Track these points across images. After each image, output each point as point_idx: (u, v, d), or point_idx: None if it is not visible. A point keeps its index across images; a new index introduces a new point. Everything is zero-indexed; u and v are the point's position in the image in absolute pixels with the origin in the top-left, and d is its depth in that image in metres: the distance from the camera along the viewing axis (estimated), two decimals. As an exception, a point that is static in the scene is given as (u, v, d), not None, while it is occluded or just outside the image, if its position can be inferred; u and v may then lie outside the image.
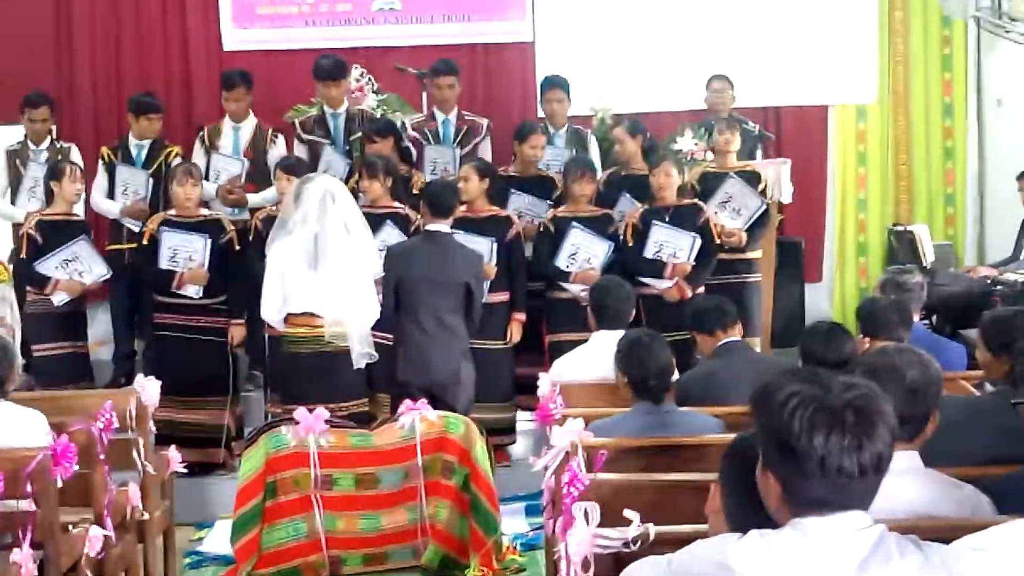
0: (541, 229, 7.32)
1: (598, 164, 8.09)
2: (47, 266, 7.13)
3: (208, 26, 9.52)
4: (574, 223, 7.18)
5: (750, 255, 7.64)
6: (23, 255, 7.20)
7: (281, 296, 5.95)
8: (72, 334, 7.32)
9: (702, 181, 7.66)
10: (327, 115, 8.16)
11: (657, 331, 5.20)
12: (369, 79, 8.74)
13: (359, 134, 8.00)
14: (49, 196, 7.41)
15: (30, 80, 8.75)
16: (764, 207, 7.53)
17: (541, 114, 8.78)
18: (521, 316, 7.18)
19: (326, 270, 5.85)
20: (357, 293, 5.92)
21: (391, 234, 7.00)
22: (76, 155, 8.07)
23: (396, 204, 7.22)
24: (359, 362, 5.91)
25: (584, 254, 7.17)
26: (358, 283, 5.93)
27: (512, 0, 9.55)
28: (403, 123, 8.17)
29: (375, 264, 6.16)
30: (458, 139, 8.14)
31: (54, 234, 7.18)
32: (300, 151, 8.11)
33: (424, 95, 8.58)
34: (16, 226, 7.81)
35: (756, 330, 7.52)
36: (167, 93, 9.06)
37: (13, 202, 8.01)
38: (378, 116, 8.23)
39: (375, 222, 6.93)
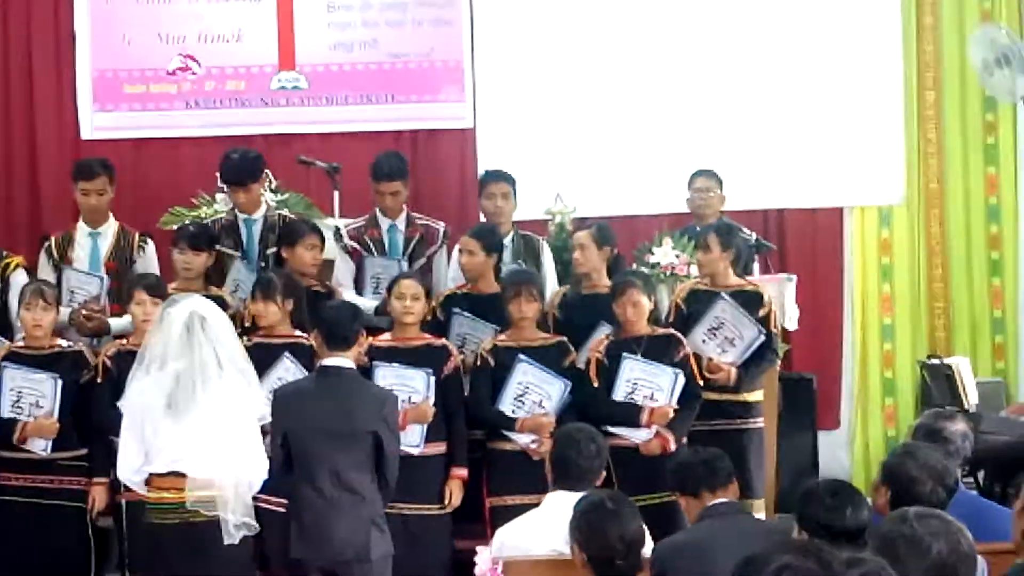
0: (478, 363, 7.29)
1: (552, 280, 8.14)
2: None
3: (63, 108, 9.61)
4: (521, 356, 7.17)
5: (750, 396, 7.64)
6: None
7: (140, 451, 5.85)
8: None
9: (691, 301, 7.70)
10: (239, 220, 8.15)
11: (630, 493, 5.16)
12: (267, 174, 8.78)
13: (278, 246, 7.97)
14: None
15: None
16: (762, 338, 7.55)
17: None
18: (462, 472, 7.13)
19: (193, 418, 5.76)
20: (234, 447, 5.81)
21: (290, 371, 6.97)
22: None
23: (298, 332, 7.20)
24: (233, 536, 5.80)
25: (535, 395, 7.14)
26: (236, 434, 5.83)
27: (448, 77, 9.73)
28: (337, 229, 8.18)
29: (260, 409, 6.08)
30: (408, 250, 8.14)
31: None
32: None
33: (335, 194, 8.62)
34: None
35: (757, 490, 7.50)
36: (8, 192, 9.11)
37: None
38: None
39: (271, 355, 6.92)
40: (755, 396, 7.68)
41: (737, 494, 5.53)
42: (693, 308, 7.64)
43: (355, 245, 8.11)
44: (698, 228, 8.32)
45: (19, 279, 7.74)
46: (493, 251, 7.67)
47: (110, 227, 8.17)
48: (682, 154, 9.34)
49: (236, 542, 5.78)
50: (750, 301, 7.61)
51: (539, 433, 7.01)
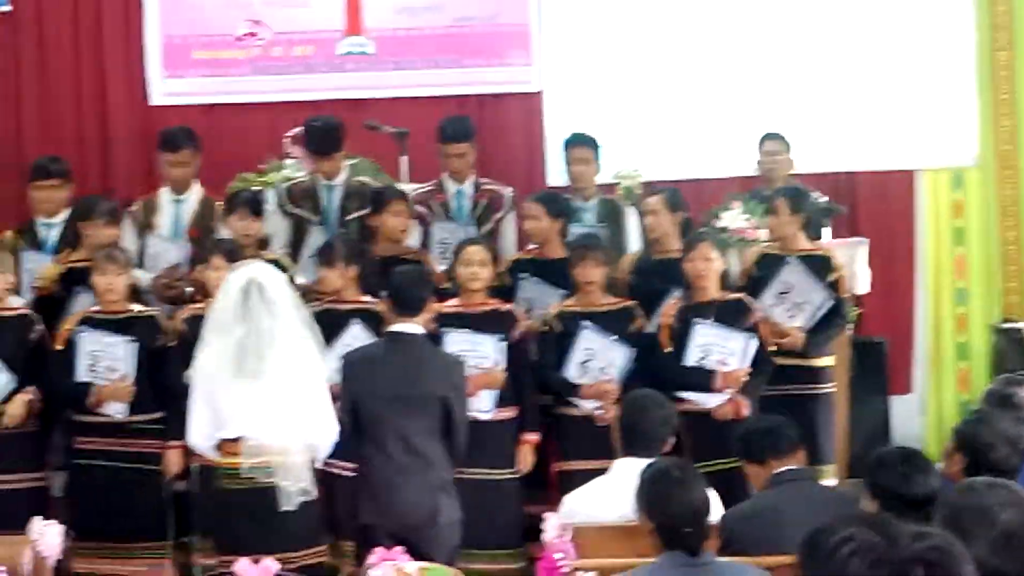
0: (546, 328, 7.33)
1: (635, 243, 8.17)
2: None
3: (131, 75, 9.68)
4: (584, 323, 7.19)
5: (819, 362, 7.64)
6: None
7: (210, 417, 5.92)
8: (20, 462, 7.20)
9: (762, 265, 7.71)
10: (319, 186, 8.21)
11: (700, 458, 5.16)
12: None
13: (361, 212, 8.06)
14: None
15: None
16: (831, 302, 7.54)
17: (553, 181, 8.84)
18: (533, 437, 7.18)
19: (261, 383, 5.80)
20: (303, 411, 5.87)
21: (359, 337, 7.01)
22: None
23: (367, 298, 7.25)
24: (290, 502, 5.84)
25: (599, 361, 7.18)
26: (304, 398, 5.88)
27: (514, 41, 9.68)
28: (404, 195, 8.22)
29: (325, 374, 6.12)
30: (476, 214, 8.19)
31: None
32: (282, 227, 8.19)
33: (403, 159, 8.65)
34: None
35: (828, 455, 7.52)
36: (80, 159, 9.15)
37: None
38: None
39: (339, 320, 6.99)
40: (825, 361, 7.67)
41: (804, 461, 5.55)
42: (763, 272, 7.65)
43: (422, 210, 8.15)
44: (767, 192, 8.29)
45: None
46: (558, 216, 7.68)
47: (193, 194, 8.26)
48: (751, 117, 9.30)
49: (293, 508, 5.82)
50: (820, 265, 7.61)
51: (603, 400, 7.05)
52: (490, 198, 8.28)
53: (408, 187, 8.35)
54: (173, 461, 7.06)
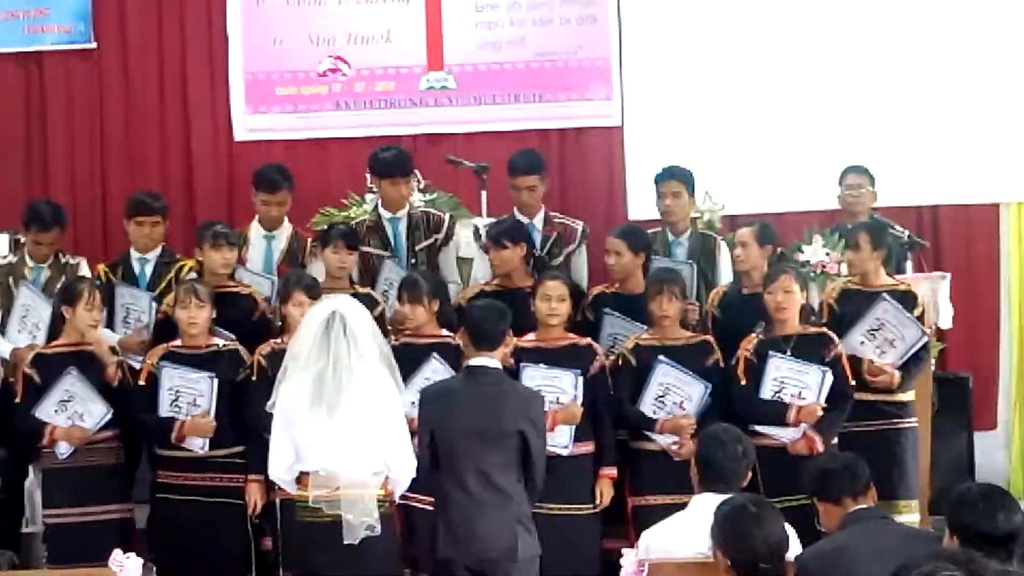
0: (620, 362, 7.35)
1: (728, 278, 8.15)
2: (44, 410, 7.22)
3: (215, 111, 9.86)
4: (661, 358, 7.21)
5: (903, 396, 7.60)
6: (19, 399, 7.34)
7: (291, 450, 5.97)
8: (107, 494, 7.34)
9: (843, 300, 7.69)
10: (383, 220, 8.29)
11: (774, 494, 5.16)
12: (415, 174, 8.90)
13: (427, 242, 8.17)
14: (57, 324, 7.58)
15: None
16: (925, 339, 7.52)
17: (634, 214, 8.86)
18: (612, 472, 7.20)
19: (340, 417, 5.84)
20: (377, 445, 5.90)
21: (438, 371, 7.07)
22: (85, 271, 8.23)
23: (444, 332, 7.34)
24: (352, 535, 5.88)
25: (675, 396, 7.19)
26: (383, 432, 5.93)
27: (595, 75, 9.77)
28: (476, 228, 8.34)
29: (403, 408, 6.17)
30: (546, 248, 8.22)
31: (59, 372, 7.25)
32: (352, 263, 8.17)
33: (483, 194, 8.72)
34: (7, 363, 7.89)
35: (912, 491, 7.49)
36: (163, 194, 9.16)
37: (2, 332, 8.08)
38: (445, 217, 8.39)
39: (418, 354, 7.06)
40: (908, 396, 7.63)
41: (876, 499, 5.53)
42: (846, 308, 7.62)
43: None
44: (849, 226, 8.29)
45: None
46: (640, 250, 7.71)
47: (284, 230, 8.39)
48: (833, 150, 9.27)
49: (355, 541, 5.86)
50: (903, 301, 7.56)
51: (679, 435, 7.07)
52: (560, 232, 8.31)
53: (481, 221, 8.43)
54: (254, 494, 7.14)
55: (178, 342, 7.39)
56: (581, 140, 9.87)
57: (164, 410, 7.21)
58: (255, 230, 8.39)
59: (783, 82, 9.64)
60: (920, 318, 7.59)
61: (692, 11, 9.74)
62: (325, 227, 8.21)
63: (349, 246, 7.78)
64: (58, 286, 8.06)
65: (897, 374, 7.44)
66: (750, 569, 4.63)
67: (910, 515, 7.35)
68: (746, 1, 9.75)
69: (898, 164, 9.27)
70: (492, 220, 8.38)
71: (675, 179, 8.29)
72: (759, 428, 7.07)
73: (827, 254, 8.16)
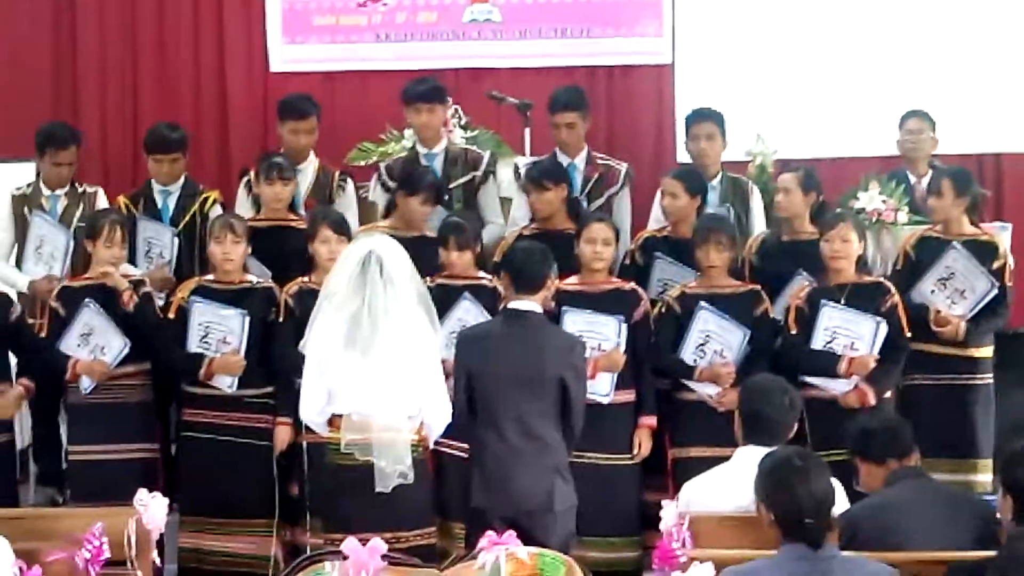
0: (663, 310, 7.31)
1: (760, 225, 8.10)
2: (67, 344, 7.24)
3: (252, 41, 9.83)
4: (702, 304, 7.16)
5: (978, 352, 7.57)
6: (43, 334, 7.37)
7: (323, 392, 5.96)
8: (132, 432, 7.35)
9: (921, 248, 7.65)
10: (420, 156, 8.21)
11: (822, 447, 5.12)
12: (456, 110, 8.83)
13: (463, 179, 8.10)
14: (81, 256, 7.62)
15: (23, 114, 9.01)
16: (995, 291, 7.47)
17: (683, 156, 8.79)
18: (651, 421, 7.18)
19: (373, 359, 5.82)
20: (415, 388, 5.91)
21: (471, 312, 7.06)
22: (103, 202, 8.24)
23: (481, 273, 7.32)
24: (384, 482, 5.88)
25: (716, 344, 7.14)
26: (417, 375, 5.92)
27: (646, 11, 9.69)
28: (516, 166, 8.26)
29: (439, 351, 6.14)
30: (587, 189, 8.15)
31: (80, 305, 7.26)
32: (383, 201, 8.18)
33: (527, 132, 8.66)
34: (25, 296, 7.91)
35: (983, 450, 7.50)
36: (197, 126, 9.29)
37: (19, 264, 8.12)
38: (485, 154, 8.30)
39: (452, 296, 7.06)
40: (983, 352, 7.61)
41: (919, 460, 5.53)
42: (922, 256, 7.61)
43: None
44: (908, 172, 8.23)
45: (217, 214, 7.94)
46: (697, 193, 7.66)
47: (310, 164, 8.26)
48: (892, 93, 9.21)
49: (387, 489, 5.86)
50: (982, 251, 7.56)
51: (719, 383, 7.02)
52: (603, 172, 8.20)
53: (521, 159, 8.38)
54: (282, 436, 7.14)
55: (210, 276, 7.39)
56: (629, 78, 9.79)
57: (193, 346, 7.20)
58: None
59: (842, 21, 9.55)
60: (1000, 271, 7.55)
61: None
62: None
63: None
64: (76, 215, 8.10)
65: (963, 326, 7.41)
66: (794, 524, 4.59)
67: (983, 475, 7.39)
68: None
69: (960, 110, 9.20)
70: (533, 159, 8.32)
71: (710, 120, 8.21)
72: (809, 379, 7.04)
73: (883, 202, 8.07)
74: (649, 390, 7.21)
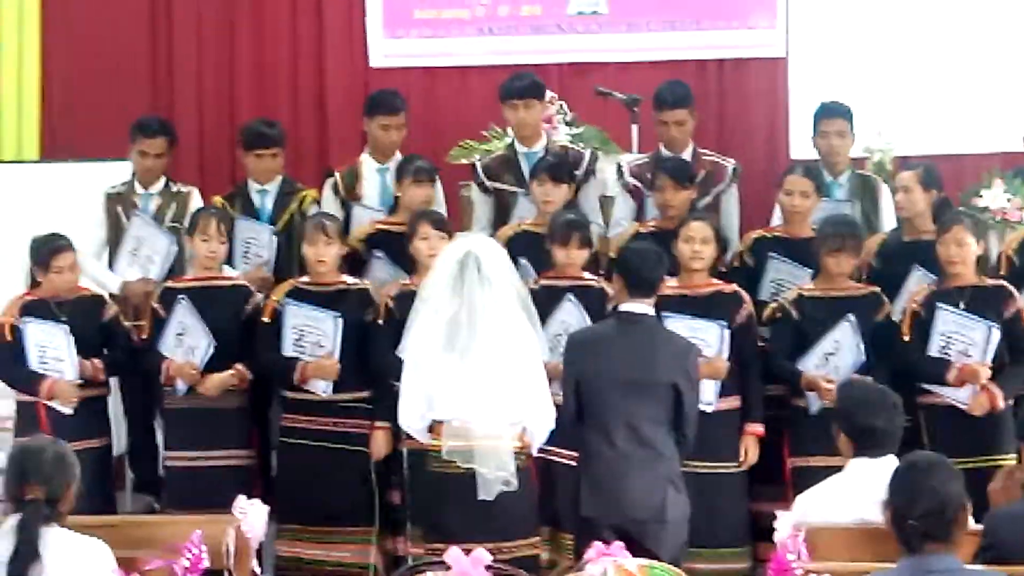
0: (779, 314, 7.29)
1: (889, 224, 8.04)
2: (166, 345, 7.34)
3: (352, 35, 9.87)
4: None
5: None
6: (144, 336, 7.50)
7: (423, 397, 6.01)
8: (226, 438, 7.45)
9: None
10: (519, 155, 8.24)
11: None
12: (561, 106, 8.85)
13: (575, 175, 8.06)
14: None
15: (119, 114, 9.11)
16: None
17: (797, 152, 8.76)
18: (758, 429, 7.17)
19: (473, 363, 5.88)
20: (513, 393, 5.92)
21: (573, 314, 7.08)
22: (197, 201, 8.35)
23: (588, 275, 7.32)
24: (487, 491, 5.92)
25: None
26: (519, 380, 5.95)
27: (759, 2, 9.64)
28: (619, 165, 8.27)
29: (540, 354, 6.15)
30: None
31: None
32: (483, 203, 8.25)
33: (634, 128, 8.66)
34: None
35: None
36: (295, 124, 9.38)
37: (111, 265, 8.21)
38: (586, 153, 8.31)
39: (556, 297, 7.07)
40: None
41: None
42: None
43: (636, 183, 8.12)
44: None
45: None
46: (820, 192, 7.66)
47: (396, 162, 8.25)
48: (1015, 86, 9.13)
49: (490, 498, 5.89)
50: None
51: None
52: (710, 170, 8.16)
53: (624, 158, 8.39)
54: (380, 443, 7.21)
55: (305, 278, 7.46)
56: (741, 72, 9.76)
57: (287, 350, 7.27)
58: (366, 163, 8.34)
59: (964, 12, 9.46)
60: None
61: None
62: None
63: (555, 178, 7.69)
64: (169, 215, 8.24)
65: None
66: (900, 522, 4.55)
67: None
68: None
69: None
70: (638, 157, 8.33)
71: (840, 117, 8.15)
72: (927, 386, 7.00)
73: (1008, 200, 8.02)
74: (755, 397, 7.20)
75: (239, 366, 7.30)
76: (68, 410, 7.12)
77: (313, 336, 7.25)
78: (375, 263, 7.71)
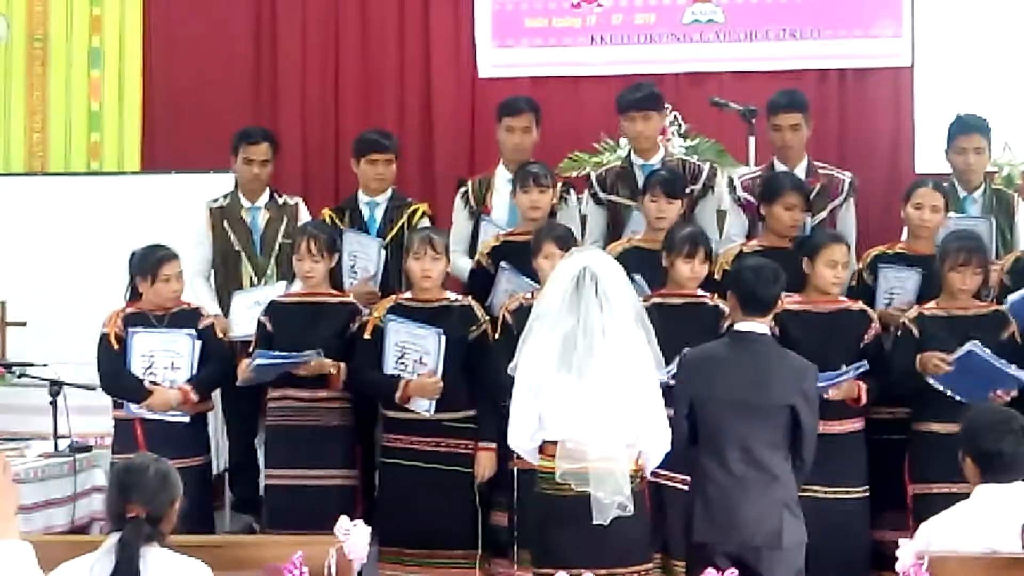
0: (899, 332, 7.24)
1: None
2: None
3: (459, 43, 9.97)
4: (974, 345, 6.95)
5: None
6: (251, 349, 7.56)
7: (534, 417, 5.98)
8: (327, 457, 7.49)
9: None
10: (634, 167, 8.22)
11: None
12: (675, 117, 8.84)
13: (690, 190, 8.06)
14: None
15: (223, 126, 9.27)
16: None
17: (922, 166, 8.71)
18: (861, 385, 7.09)
19: (588, 382, 5.83)
20: (628, 415, 5.90)
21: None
22: (304, 214, 8.47)
23: (700, 292, 7.30)
24: (602, 515, 5.88)
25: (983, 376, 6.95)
26: (635, 400, 5.92)
27: (884, 10, 9.65)
28: (730, 179, 8.25)
29: (656, 375, 6.14)
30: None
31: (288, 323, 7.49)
32: (596, 215, 8.26)
33: (751, 140, 8.63)
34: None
35: None
36: (400, 135, 9.34)
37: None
38: (704, 166, 8.29)
39: (671, 314, 7.04)
40: None
41: None
42: None
43: (749, 197, 8.07)
44: None
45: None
46: (948, 208, 7.64)
47: None
48: None
49: (605, 522, 5.84)
50: None
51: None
52: (824, 183, 8.10)
53: (737, 171, 8.39)
54: (485, 463, 7.24)
55: (407, 294, 7.51)
56: (865, 82, 9.75)
57: (389, 367, 7.31)
58: (500, 175, 8.34)
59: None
60: None
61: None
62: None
63: (668, 194, 7.67)
64: (280, 229, 8.35)
65: None
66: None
67: None
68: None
69: None
70: (752, 170, 8.31)
71: (979, 133, 8.07)
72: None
73: None
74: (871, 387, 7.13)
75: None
76: (186, 418, 7.24)
77: (415, 353, 7.28)
78: (502, 275, 7.72)
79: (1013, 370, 6.93)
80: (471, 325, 7.40)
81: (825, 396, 6.65)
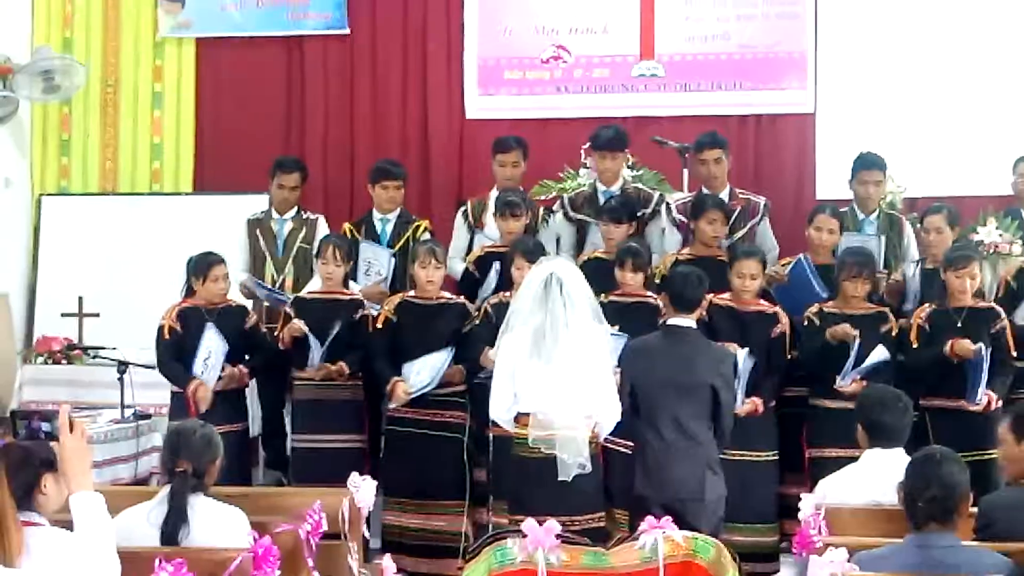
0: (806, 324, 7.27)
1: (912, 254, 7.99)
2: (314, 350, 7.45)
3: (451, 91, 9.93)
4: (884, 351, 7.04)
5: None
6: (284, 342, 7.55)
7: (511, 394, 6.03)
8: (343, 425, 7.52)
9: (1020, 278, 7.50)
10: (599, 192, 8.23)
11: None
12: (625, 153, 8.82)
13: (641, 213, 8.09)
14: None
15: (259, 154, 9.28)
16: None
17: (822, 194, 8.69)
18: (758, 400, 7.08)
19: (554, 366, 5.89)
20: (587, 392, 5.92)
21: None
22: (323, 227, 8.49)
23: (648, 293, 7.31)
24: (567, 472, 5.91)
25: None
26: (592, 381, 5.95)
27: (792, 66, 9.61)
28: (667, 204, 8.23)
29: (609, 360, 6.16)
30: (731, 221, 8.03)
31: (315, 317, 7.45)
32: (567, 231, 8.27)
33: (685, 172, 8.64)
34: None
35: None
36: (402, 163, 9.36)
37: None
38: (655, 195, 8.29)
39: (623, 311, 7.08)
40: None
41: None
42: (1021, 285, 7.45)
43: (682, 218, 8.07)
44: (1022, 210, 8.05)
45: (425, 239, 8.00)
46: (843, 229, 7.73)
47: None
48: (1010, 139, 9.00)
49: (568, 479, 5.88)
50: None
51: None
52: (744, 206, 8.12)
53: (672, 196, 8.37)
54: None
55: (412, 293, 7.53)
56: (776, 125, 9.71)
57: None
58: (493, 199, 8.26)
59: (962, 75, 9.39)
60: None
61: (885, 8, 9.54)
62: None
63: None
64: (300, 237, 8.42)
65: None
66: (910, 502, 4.56)
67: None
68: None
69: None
70: (684, 196, 8.32)
71: (878, 168, 8.08)
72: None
73: (1000, 235, 7.95)
74: (769, 389, 7.15)
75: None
76: (203, 407, 7.14)
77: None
78: (492, 277, 7.79)
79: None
80: (465, 319, 7.44)
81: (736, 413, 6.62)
